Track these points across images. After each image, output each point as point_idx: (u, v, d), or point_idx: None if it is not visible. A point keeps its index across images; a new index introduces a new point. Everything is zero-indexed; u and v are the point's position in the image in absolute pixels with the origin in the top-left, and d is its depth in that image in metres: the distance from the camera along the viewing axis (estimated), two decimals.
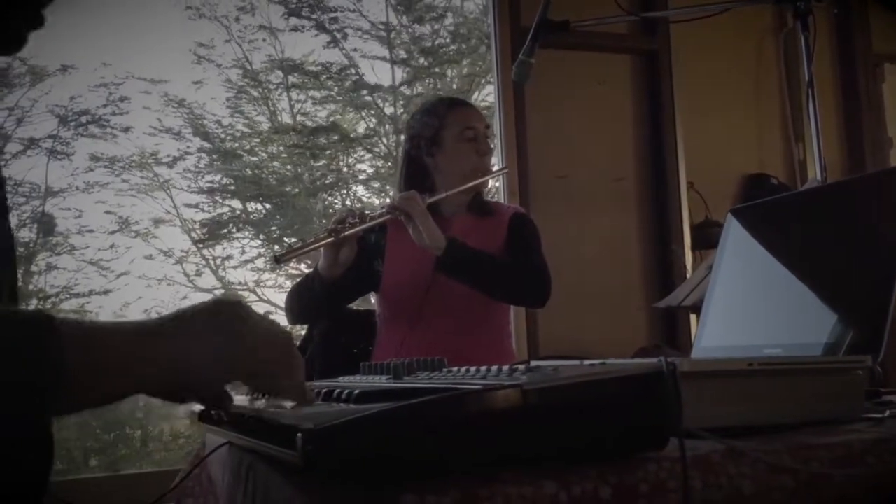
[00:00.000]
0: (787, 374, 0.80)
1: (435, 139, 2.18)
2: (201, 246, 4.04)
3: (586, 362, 0.76)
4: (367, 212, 2.01)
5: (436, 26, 4.30)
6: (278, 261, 1.93)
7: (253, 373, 0.72)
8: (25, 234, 3.77)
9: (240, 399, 0.83)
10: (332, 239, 1.93)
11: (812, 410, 0.80)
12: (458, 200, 2.19)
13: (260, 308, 4.07)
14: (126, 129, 3.82)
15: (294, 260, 2.18)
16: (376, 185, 4.33)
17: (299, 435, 0.55)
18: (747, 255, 1.21)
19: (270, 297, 4.10)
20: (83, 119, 3.79)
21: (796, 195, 1.74)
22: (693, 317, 2.93)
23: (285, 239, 4.23)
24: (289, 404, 0.76)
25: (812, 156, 2.00)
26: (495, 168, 2.34)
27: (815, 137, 1.89)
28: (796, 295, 1.10)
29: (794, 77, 3.50)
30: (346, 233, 1.94)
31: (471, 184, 2.15)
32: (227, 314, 0.70)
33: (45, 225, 3.77)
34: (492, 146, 2.26)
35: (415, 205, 1.98)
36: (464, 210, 2.23)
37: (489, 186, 2.44)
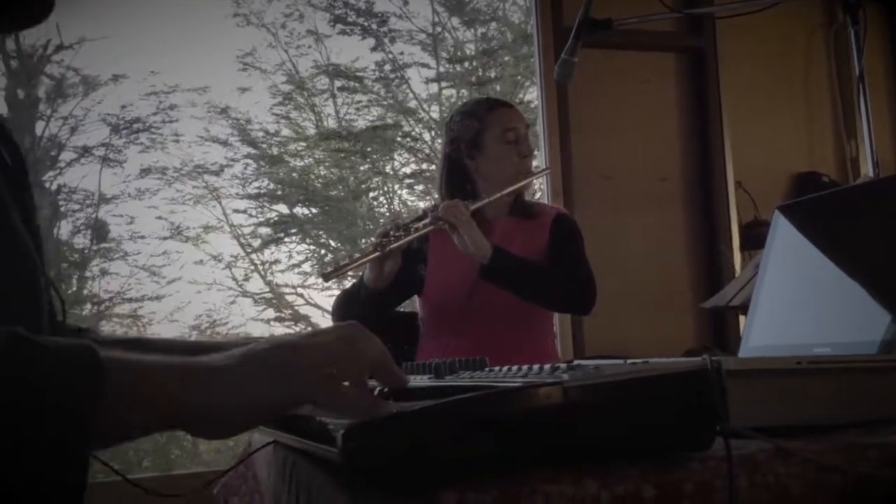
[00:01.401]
0: (837, 373, 0.78)
1: (476, 142, 2.17)
2: (250, 250, 4.10)
3: (629, 361, 0.75)
4: (410, 224, 2.03)
5: (481, 30, 4.30)
6: (326, 278, 2.02)
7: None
8: (80, 241, 3.88)
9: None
10: (377, 254, 1.96)
11: (863, 410, 0.77)
12: (499, 203, 2.18)
13: (306, 310, 4.13)
14: (176, 136, 3.90)
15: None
16: (419, 187, 4.35)
17: (340, 432, 0.56)
18: (796, 252, 1.18)
19: (318, 300, 4.14)
20: (134, 127, 3.88)
21: (845, 190, 1.70)
22: (742, 317, 2.87)
23: (331, 242, 4.27)
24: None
25: (864, 153, 1.96)
26: (537, 169, 2.32)
27: (867, 134, 1.85)
28: (847, 292, 1.07)
29: (846, 73, 3.41)
30: (391, 246, 1.97)
31: (513, 187, 2.14)
32: (277, 341, 0.66)
33: (99, 231, 3.86)
34: (533, 149, 2.25)
35: (459, 214, 1.98)
36: (505, 212, 2.22)
37: (532, 187, 2.43)
